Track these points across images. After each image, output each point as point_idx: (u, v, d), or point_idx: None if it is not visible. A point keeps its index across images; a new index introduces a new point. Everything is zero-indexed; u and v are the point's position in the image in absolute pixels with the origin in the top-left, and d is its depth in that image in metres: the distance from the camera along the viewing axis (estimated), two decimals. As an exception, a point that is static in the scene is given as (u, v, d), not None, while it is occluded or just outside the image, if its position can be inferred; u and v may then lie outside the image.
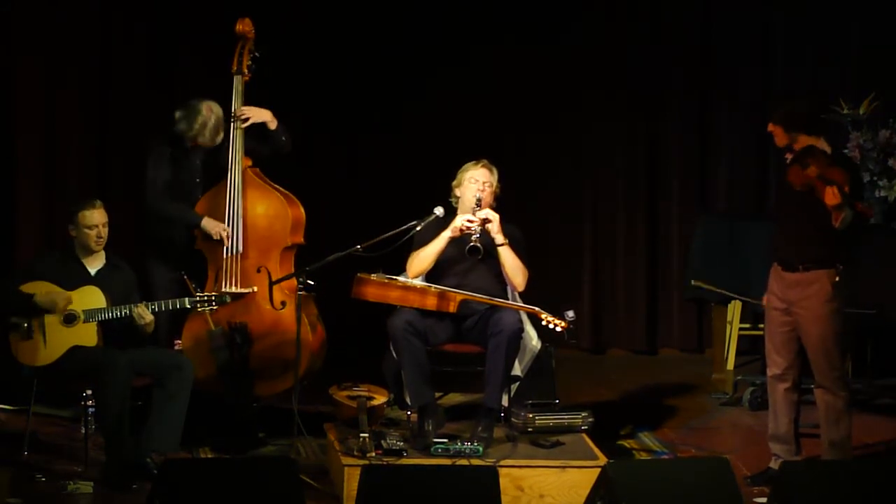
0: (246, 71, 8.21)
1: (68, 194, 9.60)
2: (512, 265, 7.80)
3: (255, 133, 8.22)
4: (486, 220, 7.76)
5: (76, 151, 9.84)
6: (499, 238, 7.79)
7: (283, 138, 8.26)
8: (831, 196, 7.14)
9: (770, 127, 7.42)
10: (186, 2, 9.81)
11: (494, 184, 7.91)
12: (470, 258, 7.72)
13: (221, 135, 8.15)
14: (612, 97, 10.42)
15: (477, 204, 7.80)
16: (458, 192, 7.94)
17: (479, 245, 7.68)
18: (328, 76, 10.06)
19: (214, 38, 8.33)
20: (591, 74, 10.35)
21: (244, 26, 8.22)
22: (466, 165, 7.95)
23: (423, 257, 7.81)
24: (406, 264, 7.84)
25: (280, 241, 8.17)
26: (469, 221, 7.74)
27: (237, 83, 8.20)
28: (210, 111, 8.10)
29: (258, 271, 8.13)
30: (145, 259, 8.18)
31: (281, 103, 8.68)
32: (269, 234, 8.16)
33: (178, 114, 8.13)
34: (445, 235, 7.78)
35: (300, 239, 8.24)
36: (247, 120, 8.15)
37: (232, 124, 8.14)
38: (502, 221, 7.82)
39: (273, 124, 8.22)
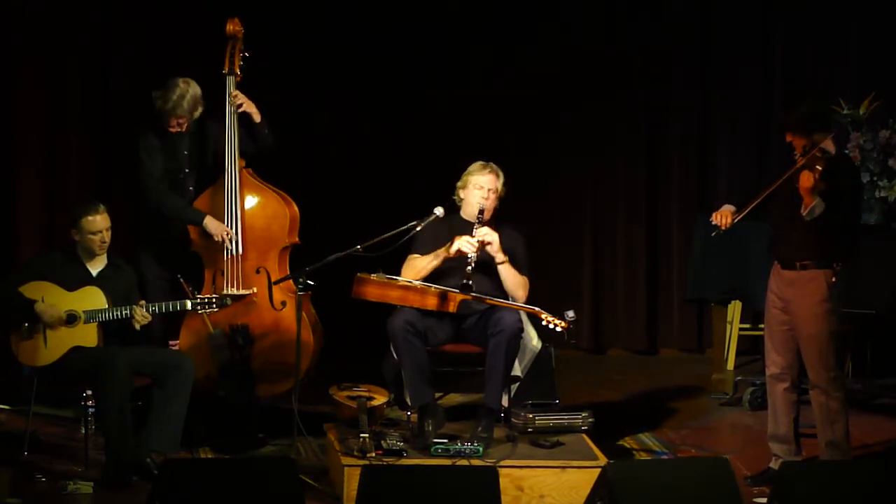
0: (238, 71, 8.19)
1: (68, 194, 9.61)
2: (512, 282, 7.81)
3: (243, 129, 8.20)
4: (485, 242, 7.75)
5: (76, 151, 9.85)
6: (499, 257, 7.79)
7: (267, 131, 8.24)
8: (805, 178, 7.15)
9: (788, 137, 7.41)
10: (186, 1, 9.82)
11: (500, 189, 7.89)
12: (461, 292, 7.69)
13: (200, 110, 8.11)
14: (612, 97, 10.42)
15: (479, 216, 7.78)
16: (462, 193, 7.93)
17: (471, 284, 7.62)
18: (329, 76, 10.06)
19: (214, 38, 8.32)
20: (591, 74, 10.35)
21: (234, 26, 8.21)
22: (473, 167, 7.92)
23: (418, 269, 7.79)
24: (402, 266, 7.83)
25: (278, 241, 8.17)
26: (468, 245, 7.72)
27: (230, 84, 8.18)
28: (187, 84, 8.09)
29: (257, 272, 8.13)
30: (138, 257, 8.17)
31: (281, 103, 8.70)
32: (268, 235, 8.16)
33: (155, 93, 8.13)
34: (442, 254, 7.77)
35: (296, 238, 8.24)
36: (241, 105, 8.13)
37: (227, 129, 8.12)
38: (503, 225, 7.82)
39: (257, 117, 8.19)
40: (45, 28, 9.70)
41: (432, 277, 7.83)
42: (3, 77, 9.70)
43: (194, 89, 8.10)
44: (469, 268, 7.65)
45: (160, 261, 8.16)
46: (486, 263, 7.81)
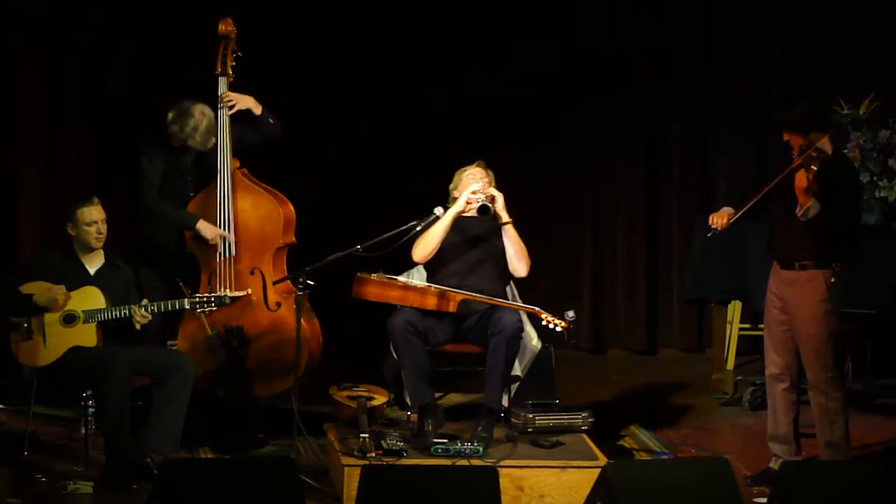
0: (230, 72, 8.19)
1: (68, 194, 9.60)
2: (516, 246, 7.83)
3: (244, 122, 8.20)
4: (491, 198, 7.78)
5: (76, 151, 9.84)
6: (504, 216, 7.82)
7: (271, 121, 8.23)
8: (800, 178, 7.15)
9: (786, 136, 7.42)
10: (186, 1, 9.82)
11: (492, 182, 7.93)
12: (481, 216, 7.76)
13: (213, 140, 8.13)
14: (612, 98, 10.42)
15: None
16: (455, 193, 7.96)
17: (489, 204, 7.70)
18: (329, 76, 10.06)
19: (214, 39, 8.32)
20: (591, 74, 10.35)
21: (226, 26, 8.20)
22: (462, 168, 7.99)
23: (430, 237, 7.80)
24: (411, 250, 7.84)
25: (273, 242, 8.16)
26: (474, 193, 7.77)
27: (222, 85, 8.18)
28: (202, 115, 8.08)
29: (252, 273, 8.12)
30: (136, 261, 8.16)
31: (281, 103, 8.68)
32: (262, 236, 8.15)
33: (170, 115, 8.11)
34: (453, 211, 7.80)
35: (292, 238, 8.23)
36: (233, 106, 8.13)
37: (218, 122, 8.11)
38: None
39: (258, 109, 8.18)
40: (45, 28, 9.70)
41: (433, 275, 7.84)
42: (3, 77, 9.70)
43: (209, 118, 8.08)
44: (482, 201, 7.73)
45: (157, 265, 8.15)
46: (485, 262, 7.82)
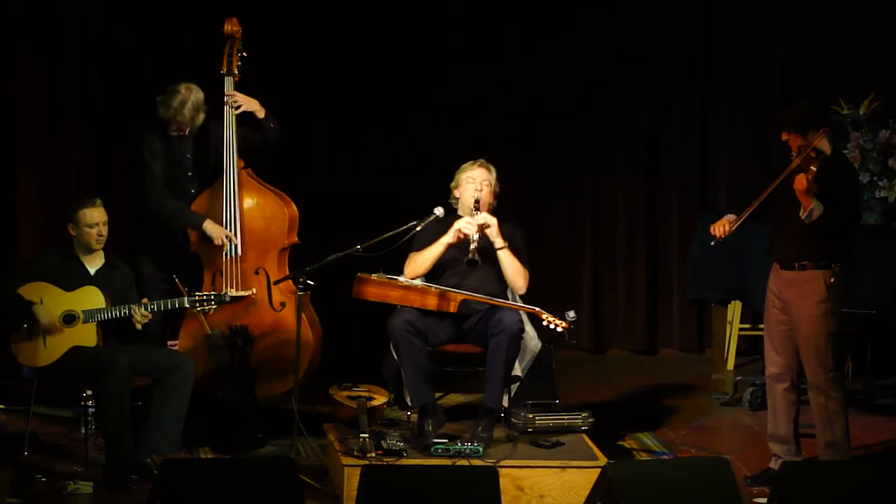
0: (236, 71, 8.19)
1: (68, 194, 9.60)
2: (512, 268, 7.81)
3: (246, 123, 8.21)
4: (484, 226, 7.76)
5: (76, 151, 9.84)
6: (498, 242, 7.79)
7: (272, 125, 8.25)
8: (799, 181, 7.15)
9: (784, 136, 7.41)
10: (186, 1, 9.81)
11: (493, 182, 7.92)
12: (469, 268, 7.73)
13: (202, 116, 8.11)
14: (612, 97, 10.42)
15: (475, 204, 7.80)
16: (456, 192, 7.95)
17: (477, 259, 7.67)
18: (330, 76, 10.06)
19: (214, 37, 8.32)
20: (590, 74, 10.35)
21: (232, 26, 8.20)
22: (464, 166, 7.97)
23: (421, 261, 7.81)
24: (404, 264, 7.84)
25: (277, 242, 8.17)
26: (468, 226, 7.74)
27: (227, 85, 8.18)
28: (189, 91, 8.07)
29: (256, 273, 8.12)
30: (136, 259, 8.16)
31: (282, 103, 8.68)
32: (267, 236, 8.16)
33: (158, 100, 8.12)
34: (444, 241, 7.78)
35: (295, 239, 8.24)
36: (239, 106, 8.13)
37: (225, 130, 8.11)
38: (502, 221, 7.82)
39: (261, 113, 8.21)
40: (45, 28, 9.69)
41: (433, 275, 7.84)
42: (3, 77, 9.70)
43: (196, 95, 8.08)
44: (473, 245, 7.68)
45: (158, 263, 8.15)
46: (485, 263, 7.81)
